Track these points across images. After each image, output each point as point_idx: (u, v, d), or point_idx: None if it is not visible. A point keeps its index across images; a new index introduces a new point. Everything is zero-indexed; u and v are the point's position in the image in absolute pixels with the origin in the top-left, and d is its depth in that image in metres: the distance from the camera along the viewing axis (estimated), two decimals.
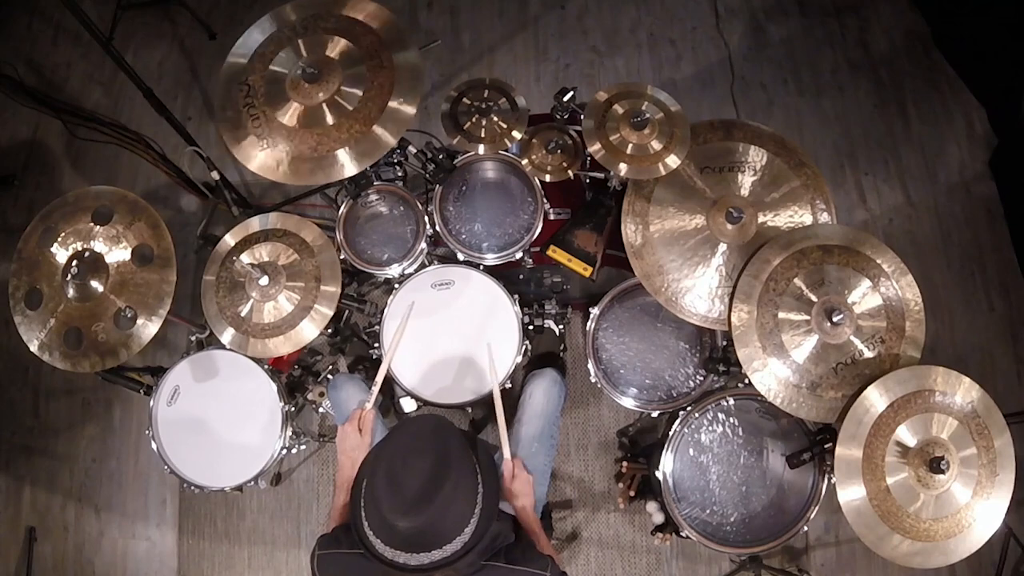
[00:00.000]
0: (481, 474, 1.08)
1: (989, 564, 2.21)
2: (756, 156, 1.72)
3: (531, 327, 2.11)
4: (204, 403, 1.90)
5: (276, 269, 1.73)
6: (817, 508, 1.75)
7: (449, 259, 2.02)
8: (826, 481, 1.74)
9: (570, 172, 1.89)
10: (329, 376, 2.23)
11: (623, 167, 1.61)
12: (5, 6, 3.09)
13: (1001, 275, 2.57)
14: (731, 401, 1.82)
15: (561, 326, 2.24)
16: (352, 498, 1.09)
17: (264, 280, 1.70)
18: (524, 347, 1.90)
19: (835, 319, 1.52)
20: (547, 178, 1.90)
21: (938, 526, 1.46)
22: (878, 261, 1.59)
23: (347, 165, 1.54)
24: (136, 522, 2.48)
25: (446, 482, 1.02)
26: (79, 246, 1.69)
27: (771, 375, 1.54)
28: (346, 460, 1.51)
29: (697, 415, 1.81)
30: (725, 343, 1.87)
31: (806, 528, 1.76)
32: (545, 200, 1.94)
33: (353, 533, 1.06)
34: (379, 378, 1.60)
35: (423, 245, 1.94)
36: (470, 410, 2.34)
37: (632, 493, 2.20)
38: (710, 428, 1.83)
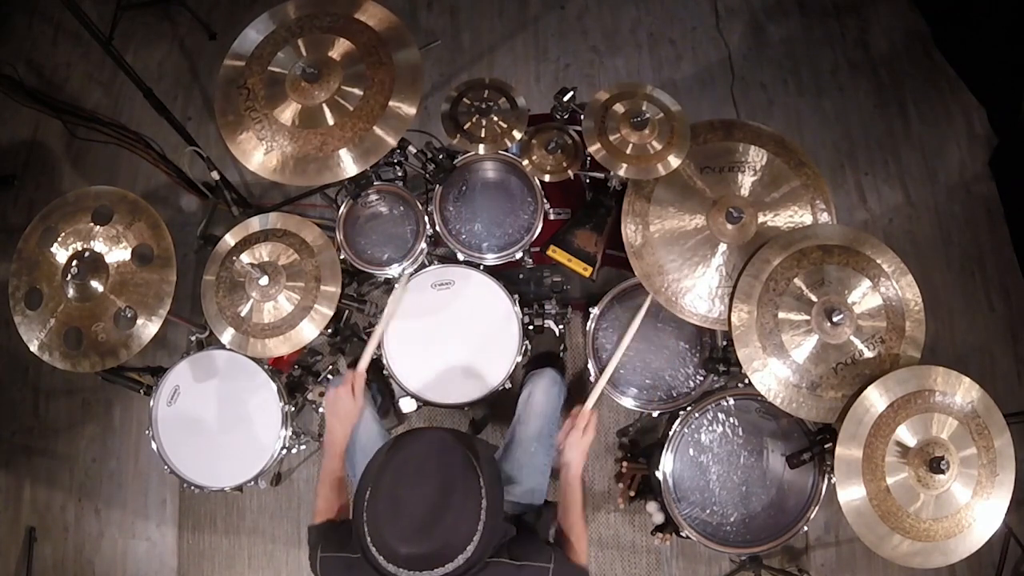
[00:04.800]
0: (485, 488, 1.07)
1: (989, 564, 2.21)
2: (756, 156, 1.72)
3: (531, 327, 2.11)
4: (204, 403, 1.90)
5: (276, 269, 1.73)
6: (817, 508, 1.76)
7: (449, 259, 2.02)
8: (826, 481, 1.74)
9: (570, 172, 1.89)
10: (329, 376, 2.22)
11: (623, 167, 1.61)
12: (5, 6, 3.09)
13: (1001, 275, 2.57)
14: (731, 401, 1.82)
15: (561, 326, 2.24)
16: (355, 508, 1.08)
17: (264, 280, 1.69)
18: (524, 347, 1.90)
19: (835, 319, 1.52)
20: (547, 178, 1.90)
21: (938, 526, 1.46)
22: (878, 261, 1.59)
23: (349, 165, 1.54)
24: (136, 522, 2.48)
25: (448, 510, 1.02)
26: (79, 246, 1.69)
27: (771, 375, 1.54)
28: (337, 425, 1.48)
29: (697, 415, 1.81)
30: (725, 343, 1.87)
31: (806, 528, 1.76)
32: (545, 200, 1.94)
33: (355, 543, 1.06)
34: (373, 341, 1.58)
35: (423, 245, 1.94)
36: (469, 410, 2.34)
37: (632, 493, 2.20)
38: (710, 428, 1.83)
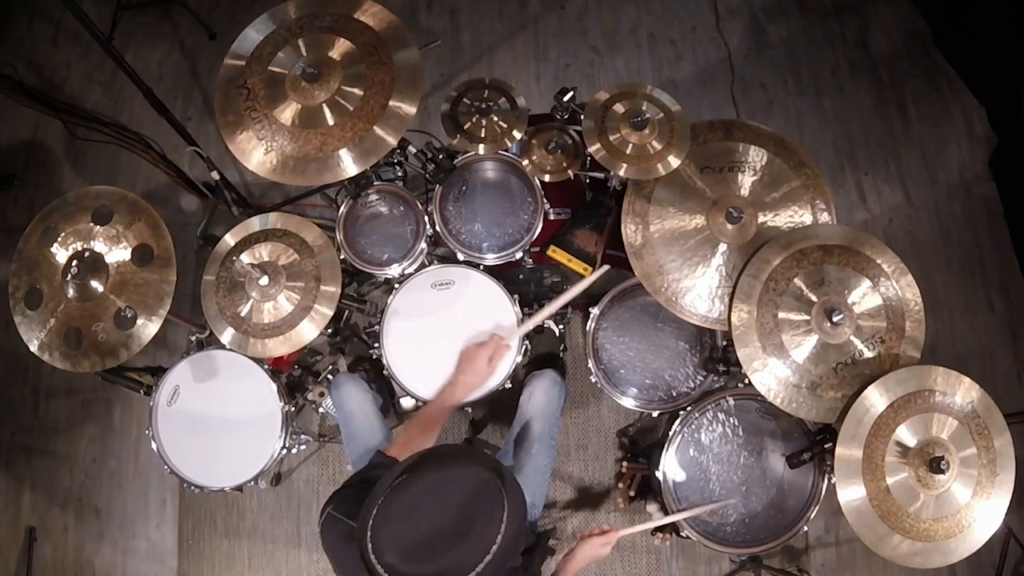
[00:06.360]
0: (503, 534, 0.99)
1: (989, 564, 2.21)
2: (756, 156, 1.72)
3: None
4: (204, 403, 1.90)
5: (276, 269, 1.73)
6: (817, 508, 1.76)
7: (449, 259, 2.02)
8: (826, 481, 1.75)
9: (570, 172, 1.89)
10: (329, 376, 2.22)
11: (623, 167, 1.61)
12: (5, 6, 3.09)
13: (1001, 275, 2.57)
14: (731, 401, 1.82)
15: (561, 326, 2.24)
16: (371, 495, 1.04)
17: (264, 280, 1.69)
18: (524, 347, 1.90)
19: (835, 319, 1.52)
20: (547, 178, 1.90)
21: (938, 526, 1.46)
22: (878, 261, 1.59)
23: (349, 165, 1.54)
24: (136, 522, 2.48)
25: (454, 548, 0.98)
26: (79, 246, 1.69)
27: (771, 375, 1.54)
28: (463, 382, 1.61)
29: (697, 415, 1.81)
30: (725, 343, 1.87)
31: (806, 528, 1.77)
32: (545, 200, 1.94)
33: (358, 527, 1.04)
34: (546, 312, 1.72)
35: (423, 245, 1.94)
36: (469, 410, 2.34)
37: (632, 493, 2.20)
38: (710, 428, 1.83)
